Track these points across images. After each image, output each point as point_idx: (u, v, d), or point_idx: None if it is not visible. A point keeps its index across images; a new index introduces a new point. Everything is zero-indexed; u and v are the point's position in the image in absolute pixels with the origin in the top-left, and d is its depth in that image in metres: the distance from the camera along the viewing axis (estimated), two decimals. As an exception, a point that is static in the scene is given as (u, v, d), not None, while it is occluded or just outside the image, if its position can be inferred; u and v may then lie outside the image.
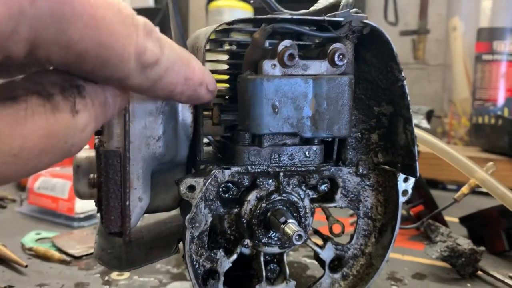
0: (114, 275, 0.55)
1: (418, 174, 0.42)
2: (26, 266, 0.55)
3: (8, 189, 0.94)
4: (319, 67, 0.37)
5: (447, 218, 0.74)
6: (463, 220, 0.71)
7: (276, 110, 0.35)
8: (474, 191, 0.62)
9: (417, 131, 0.56)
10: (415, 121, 0.84)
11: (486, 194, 0.58)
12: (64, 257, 0.59)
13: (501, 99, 1.24)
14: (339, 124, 0.37)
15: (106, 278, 0.54)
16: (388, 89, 0.42)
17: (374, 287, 0.54)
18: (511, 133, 1.00)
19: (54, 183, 0.75)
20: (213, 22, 1.45)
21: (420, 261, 0.62)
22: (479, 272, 0.58)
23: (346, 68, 0.38)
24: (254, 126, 0.35)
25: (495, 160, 1.05)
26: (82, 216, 0.72)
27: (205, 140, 0.48)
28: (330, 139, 0.42)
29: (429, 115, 0.95)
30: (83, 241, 0.64)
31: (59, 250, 0.61)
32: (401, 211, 0.45)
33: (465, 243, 0.58)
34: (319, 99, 0.36)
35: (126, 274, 0.55)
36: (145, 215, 0.50)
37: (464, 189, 0.56)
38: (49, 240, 0.65)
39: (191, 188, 0.38)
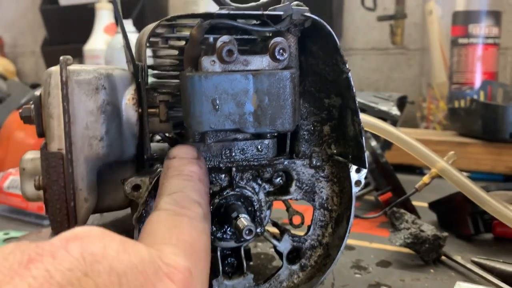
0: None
1: (367, 165, 0.42)
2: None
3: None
4: (260, 62, 0.37)
5: (419, 204, 0.74)
6: (432, 206, 0.72)
7: (217, 107, 0.35)
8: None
9: (378, 122, 0.57)
10: (385, 107, 0.85)
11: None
12: (29, 257, 0.59)
13: (478, 83, 1.24)
14: (282, 118, 0.37)
15: (70, 277, 0.54)
16: (335, 81, 0.42)
17: (337, 276, 0.54)
18: (484, 116, 1.00)
19: (22, 182, 0.75)
20: (190, 12, 1.43)
21: (387, 248, 0.63)
22: (443, 258, 0.59)
23: (288, 62, 0.38)
24: (195, 123, 0.35)
25: (469, 144, 1.06)
26: (51, 214, 0.72)
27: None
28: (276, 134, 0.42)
29: (402, 102, 0.95)
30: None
31: (26, 250, 0.61)
32: (354, 202, 0.45)
33: (428, 230, 0.58)
34: (260, 95, 0.36)
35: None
36: (105, 214, 0.50)
37: (425, 178, 0.56)
38: (17, 239, 0.65)
39: (137, 188, 0.38)
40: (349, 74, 0.40)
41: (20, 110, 0.38)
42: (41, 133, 0.37)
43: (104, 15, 1.57)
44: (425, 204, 0.74)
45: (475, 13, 1.24)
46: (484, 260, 0.56)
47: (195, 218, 0.31)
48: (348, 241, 0.65)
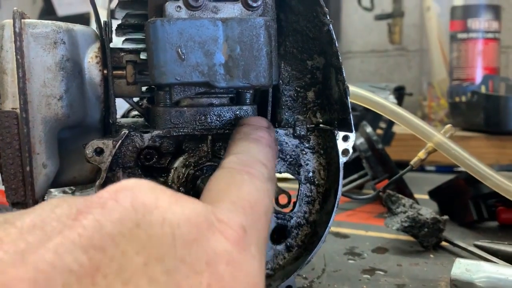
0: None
1: (353, 129, 0.39)
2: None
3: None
4: (231, 9, 0.34)
5: (418, 196, 0.71)
6: (432, 194, 0.68)
7: (183, 56, 0.32)
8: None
9: (371, 96, 0.53)
10: (381, 96, 0.81)
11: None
12: None
13: (478, 78, 1.21)
14: (256, 71, 0.34)
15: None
16: (317, 38, 0.39)
17: (329, 262, 0.51)
18: (486, 108, 0.97)
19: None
20: None
21: (384, 236, 0.59)
22: (444, 243, 0.55)
23: (263, 12, 0.35)
24: (159, 74, 0.32)
25: (472, 138, 1.02)
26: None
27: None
28: (251, 90, 0.38)
29: (400, 93, 0.92)
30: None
31: None
32: (342, 173, 0.42)
33: (427, 213, 0.55)
34: (231, 43, 0.33)
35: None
36: (77, 194, 0.47)
37: (421, 154, 0.53)
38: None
39: (99, 152, 0.35)
40: (330, 26, 0.37)
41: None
42: (-5, 93, 0.34)
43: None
44: (426, 197, 0.70)
45: (473, 7, 1.21)
46: (488, 244, 0.52)
47: (258, 177, 0.29)
48: (343, 230, 0.62)
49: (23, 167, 0.34)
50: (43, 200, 0.36)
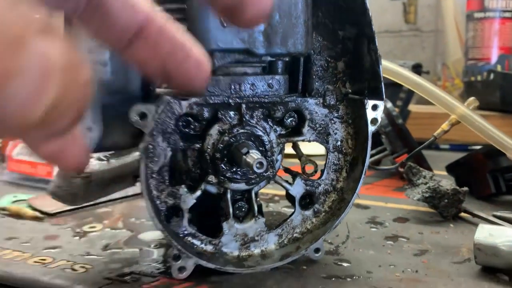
0: (86, 227, 0.54)
1: (384, 96, 0.40)
2: (-4, 222, 0.54)
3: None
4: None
5: (436, 172, 0.72)
6: (450, 169, 0.70)
7: (224, 23, 0.33)
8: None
9: (394, 66, 0.54)
10: (400, 73, 0.82)
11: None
12: (37, 214, 0.58)
13: (494, 58, 1.21)
14: (294, 38, 0.35)
15: (78, 230, 0.53)
16: (350, 8, 0.40)
17: (352, 230, 0.52)
18: (503, 87, 0.97)
19: (31, 148, 0.74)
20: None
21: (403, 207, 0.61)
22: (463, 214, 0.57)
23: (300, -19, 0.36)
24: (202, 41, 0.33)
25: (487, 117, 1.02)
26: (60, 179, 0.71)
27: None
28: (287, 58, 0.40)
29: (417, 70, 0.93)
30: (59, 201, 0.63)
31: (34, 209, 0.60)
32: (370, 142, 0.43)
33: (447, 184, 0.56)
34: (271, 11, 0.34)
35: (99, 226, 0.54)
36: (112, 161, 0.48)
37: (444, 125, 0.54)
38: (26, 202, 0.64)
39: (143, 116, 0.36)
40: (365, -4, 0.38)
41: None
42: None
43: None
44: (442, 172, 0.71)
45: (491, -14, 1.20)
46: (507, 214, 0.53)
47: None
48: (363, 201, 0.64)
49: (71, 130, 0.35)
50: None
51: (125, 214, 0.59)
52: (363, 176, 0.43)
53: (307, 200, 0.45)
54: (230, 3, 0.24)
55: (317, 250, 0.43)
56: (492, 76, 0.99)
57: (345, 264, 0.43)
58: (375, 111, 0.43)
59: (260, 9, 0.24)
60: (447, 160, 0.72)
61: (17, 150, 0.76)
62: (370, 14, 0.38)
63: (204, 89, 0.24)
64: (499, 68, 1.15)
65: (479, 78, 1.11)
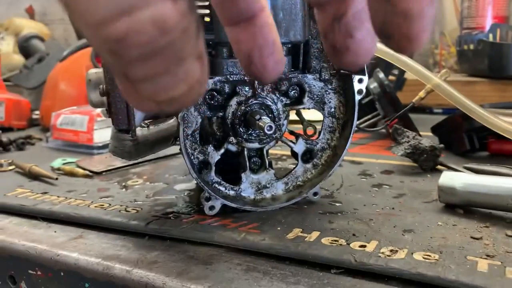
0: (130, 182, 0.66)
1: (366, 73, 0.51)
2: (56, 179, 0.67)
3: (33, 131, 1.06)
4: (275, -15, 0.45)
5: (425, 133, 0.83)
6: (434, 129, 0.81)
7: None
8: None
9: (383, 46, 0.65)
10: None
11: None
12: (87, 172, 0.70)
13: (488, 27, 1.29)
14: (294, 30, 0.46)
15: (123, 184, 0.65)
16: (339, 3, 0.50)
17: (345, 180, 0.64)
18: (490, 55, 1.07)
19: (73, 118, 0.86)
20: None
21: (390, 162, 0.72)
22: (439, 167, 0.68)
23: (298, -15, 0.46)
24: (224, 34, 0.44)
25: (477, 82, 1.13)
26: (100, 144, 0.84)
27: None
28: (289, 45, 0.50)
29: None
30: (102, 162, 0.76)
31: (83, 169, 0.73)
32: (357, 108, 0.54)
33: (426, 142, 0.67)
34: (276, 10, 0.45)
35: (140, 181, 0.66)
36: (151, 127, 0.60)
37: (421, 93, 0.64)
38: (74, 163, 0.76)
39: (180, 91, 0.48)
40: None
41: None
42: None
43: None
44: (430, 133, 0.82)
45: (486, -42, 1.27)
46: (475, 166, 0.64)
47: None
48: (356, 158, 0.75)
49: (127, 103, 0.47)
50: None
51: (160, 171, 0.72)
52: (351, 135, 0.55)
53: (308, 156, 0.57)
54: (336, 46, 0.25)
55: (315, 194, 0.55)
56: (481, 45, 1.08)
57: (337, 204, 0.55)
58: (361, 84, 0.54)
59: (358, 63, 0.25)
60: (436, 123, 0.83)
61: (60, 120, 0.88)
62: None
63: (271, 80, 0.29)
64: (490, 37, 1.23)
65: (471, 47, 1.20)
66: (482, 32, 1.29)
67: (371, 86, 0.82)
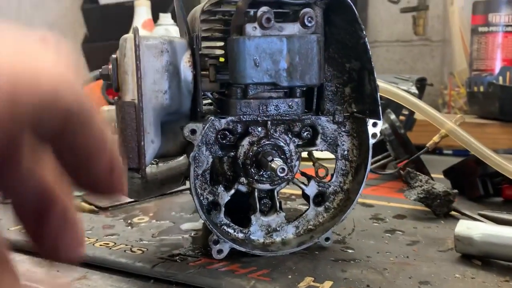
0: (136, 219, 0.65)
1: (381, 117, 0.50)
2: (62, 214, 0.65)
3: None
4: (292, 28, 0.45)
5: (436, 175, 0.81)
6: (446, 172, 0.79)
7: (257, 64, 0.44)
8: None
9: (396, 90, 0.64)
10: (404, 87, 0.92)
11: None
12: (93, 208, 0.69)
13: (497, 69, 1.29)
14: (310, 74, 0.45)
15: (129, 221, 0.64)
16: (354, 47, 0.50)
17: (357, 224, 0.62)
18: (501, 98, 1.06)
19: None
20: None
21: (403, 206, 0.71)
22: (453, 212, 0.66)
23: (315, 29, 0.46)
24: (240, 77, 0.44)
25: (487, 125, 1.12)
26: (106, 178, 0.82)
27: (208, 101, 0.57)
28: (304, 88, 0.50)
29: (422, 83, 1.02)
30: (108, 197, 0.74)
31: (89, 204, 0.71)
32: (371, 152, 0.53)
33: (440, 187, 0.66)
34: (292, 54, 0.45)
35: (146, 218, 0.65)
36: (160, 164, 0.59)
37: (435, 138, 0.64)
38: (80, 197, 0.75)
39: (193, 132, 0.47)
40: (366, 39, 0.48)
41: (100, 70, 0.48)
42: (117, 88, 0.47)
43: (142, 12, 1.68)
44: (441, 176, 0.81)
45: (494, 3, 1.29)
46: (490, 213, 0.63)
47: None
48: (368, 200, 0.74)
49: (138, 142, 0.46)
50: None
51: (166, 208, 0.70)
52: (365, 179, 0.54)
53: (320, 199, 0.56)
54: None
55: (327, 239, 0.54)
56: (491, 88, 1.08)
57: (349, 251, 0.53)
58: (375, 128, 0.53)
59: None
60: (448, 165, 0.81)
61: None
62: (370, 52, 0.48)
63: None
64: (500, 79, 1.23)
65: (481, 88, 1.20)
66: (492, 74, 1.30)
67: (382, 127, 0.81)
